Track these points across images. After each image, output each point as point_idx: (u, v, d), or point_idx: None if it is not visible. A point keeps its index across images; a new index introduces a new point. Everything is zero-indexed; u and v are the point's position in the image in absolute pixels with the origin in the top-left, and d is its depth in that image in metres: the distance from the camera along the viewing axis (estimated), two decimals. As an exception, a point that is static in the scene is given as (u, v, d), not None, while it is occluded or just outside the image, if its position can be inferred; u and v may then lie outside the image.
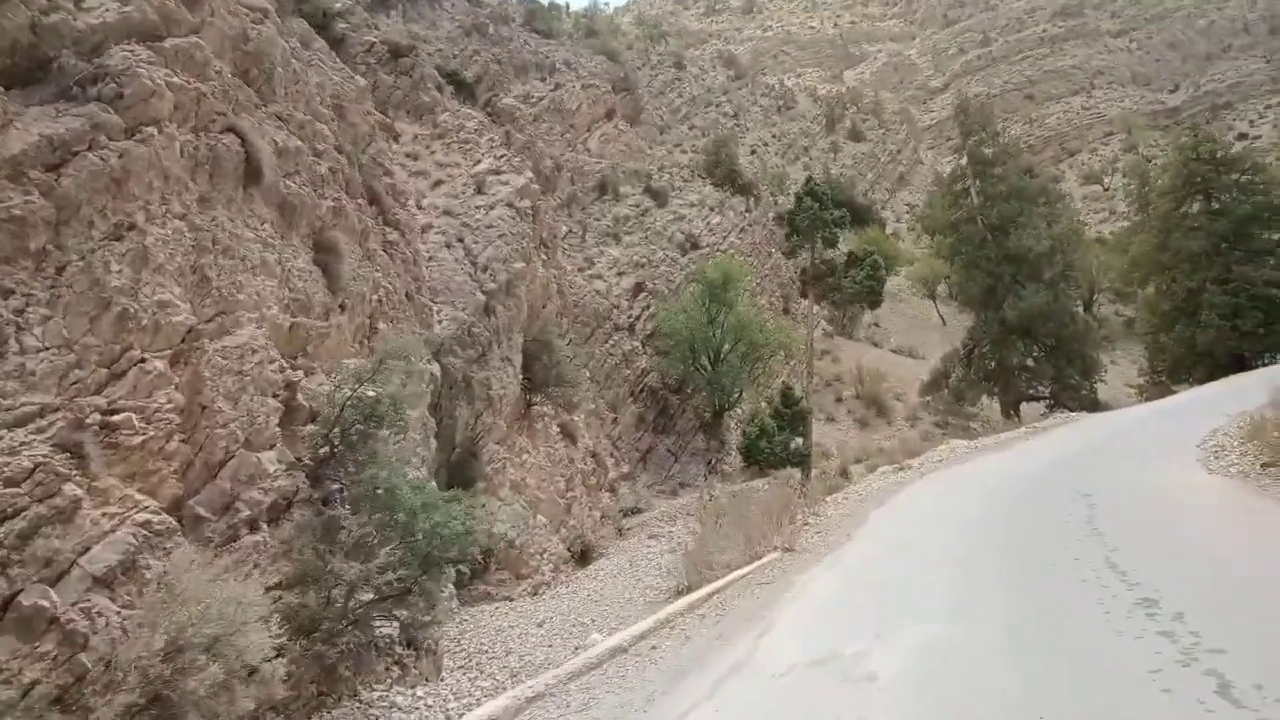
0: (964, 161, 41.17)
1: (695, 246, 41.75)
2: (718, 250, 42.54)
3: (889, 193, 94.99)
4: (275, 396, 9.36)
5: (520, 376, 20.55)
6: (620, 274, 36.29)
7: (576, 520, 24.10)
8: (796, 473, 26.32)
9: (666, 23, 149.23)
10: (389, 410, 10.02)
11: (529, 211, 22.53)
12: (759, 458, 25.42)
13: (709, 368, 32.90)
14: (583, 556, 23.13)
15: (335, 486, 9.60)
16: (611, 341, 32.71)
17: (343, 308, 12.07)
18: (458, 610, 14.75)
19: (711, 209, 45.71)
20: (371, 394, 10.00)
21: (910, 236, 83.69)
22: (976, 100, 42.84)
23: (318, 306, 11.34)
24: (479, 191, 21.68)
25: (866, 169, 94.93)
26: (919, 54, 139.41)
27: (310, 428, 9.83)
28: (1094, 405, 38.51)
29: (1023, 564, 8.63)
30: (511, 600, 18.44)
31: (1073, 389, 38.44)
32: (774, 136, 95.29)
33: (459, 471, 18.75)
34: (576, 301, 32.19)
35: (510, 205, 21.49)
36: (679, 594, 14.02)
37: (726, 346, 33.05)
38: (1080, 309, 40.40)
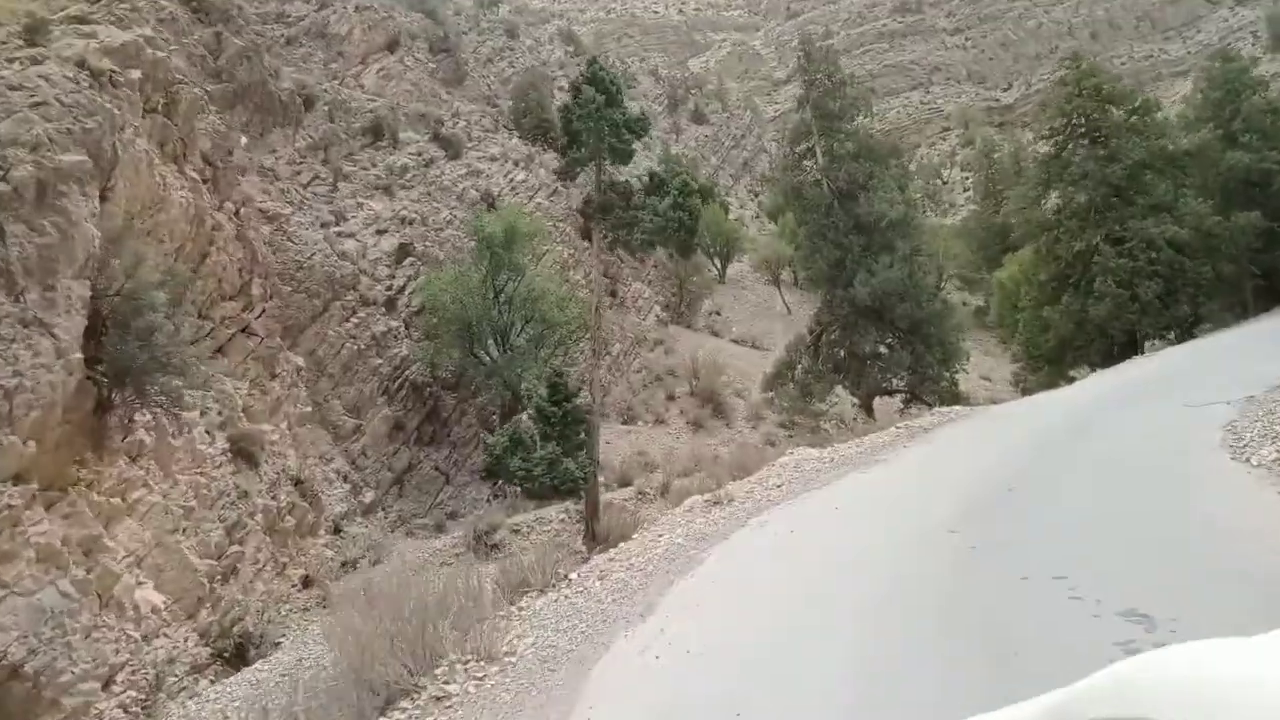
0: (807, 116, 35.17)
1: (492, 206, 33.64)
2: (522, 213, 34.58)
3: (733, 179, 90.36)
4: None
5: (79, 358, 11.77)
6: (380, 232, 27.63)
7: (234, 594, 15.47)
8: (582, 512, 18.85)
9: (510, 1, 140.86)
10: None
11: (133, 87, 13.70)
12: (513, 481, 17.70)
13: (493, 355, 24.89)
14: (239, 654, 14.59)
15: None
16: (355, 320, 24.06)
17: None
18: None
19: (516, 164, 37.73)
20: None
21: (755, 224, 79.22)
22: (820, 42, 36.88)
23: None
24: (31, 44, 12.69)
25: (710, 152, 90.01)
26: (763, 45, 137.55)
27: None
28: (955, 398, 33.39)
29: None
30: (5, 779, 9.73)
31: (932, 380, 33.14)
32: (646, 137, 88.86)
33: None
34: (301, 263, 23.34)
35: (83, 66, 12.63)
36: None
37: (516, 326, 25.16)
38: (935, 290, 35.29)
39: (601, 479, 27.05)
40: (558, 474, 17.27)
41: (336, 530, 19.48)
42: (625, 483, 26.21)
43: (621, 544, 10.13)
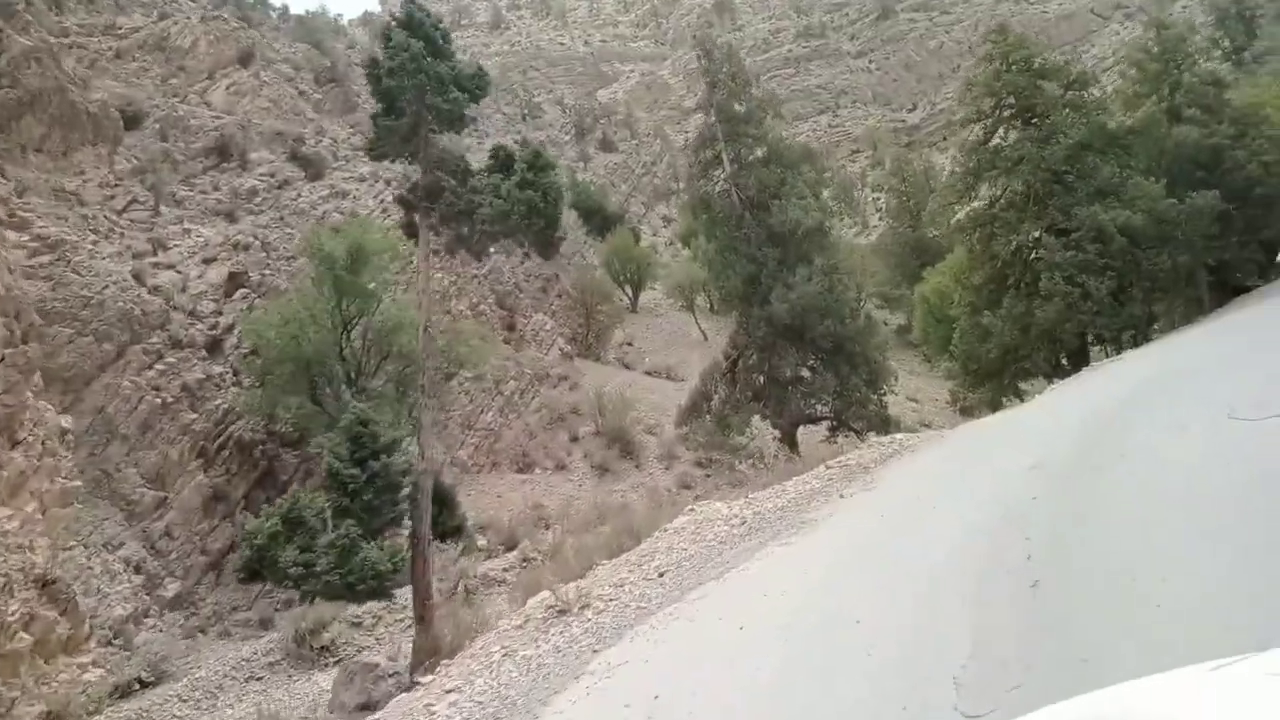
0: (712, 120, 32.14)
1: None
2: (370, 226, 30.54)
3: (645, 206, 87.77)
4: None
5: None
6: (208, 261, 23.14)
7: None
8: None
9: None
10: None
11: None
12: (284, 583, 13.45)
13: (341, 402, 20.55)
14: None
15: None
16: (160, 367, 19.46)
17: None
18: None
19: (389, 183, 33.59)
20: None
21: (669, 251, 76.54)
22: (722, 42, 34.17)
23: None
24: None
25: (620, 180, 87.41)
26: (671, 74, 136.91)
27: None
28: (885, 423, 30.39)
29: None
30: None
31: (859, 404, 30.09)
32: (516, 143, 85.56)
33: None
34: (89, 299, 18.74)
35: None
36: None
37: (371, 365, 20.93)
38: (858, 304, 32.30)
39: (483, 542, 22.91)
40: (353, 567, 12.81)
41: (109, 641, 14.79)
42: (511, 545, 22.16)
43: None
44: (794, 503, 10.97)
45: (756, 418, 31.03)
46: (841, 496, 10.35)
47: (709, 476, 29.31)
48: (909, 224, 56.76)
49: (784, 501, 11.21)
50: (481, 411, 28.79)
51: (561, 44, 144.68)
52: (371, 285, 20.31)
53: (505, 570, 18.70)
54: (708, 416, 31.93)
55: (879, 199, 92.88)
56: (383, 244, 21.02)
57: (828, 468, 12.15)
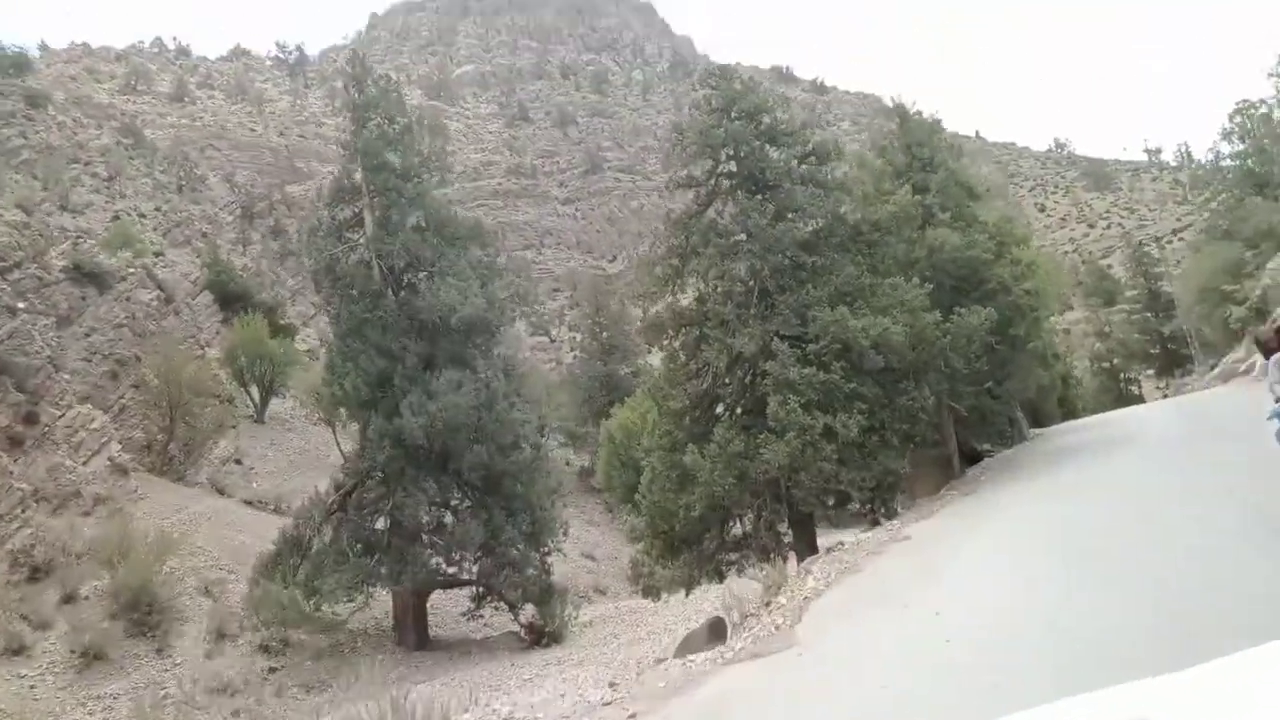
0: (354, 169, 24.01)
1: None
2: None
3: (317, 308, 75.93)
4: None
5: None
6: None
7: None
8: None
9: (66, 89, 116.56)
10: None
11: None
12: None
13: None
14: None
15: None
16: None
17: None
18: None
19: None
20: None
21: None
22: (378, 66, 26.76)
23: None
24: None
25: (289, 274, 75.57)
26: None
27: None
28: (546, 595, 22.53)
29: None
30: None
31: (513, 566, 22.03)
32: (158, 210, 70.80)
33: None
34: None
35: None
36: None
37: None
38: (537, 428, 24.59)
39: None
40: None
41: None
42: None
43: None
44: None
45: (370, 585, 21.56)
46: None
47: (275, 671, 19.02)
48: (600, 357, 51.97)
49: None
50: None
51: (253, 130, 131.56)
52: None
53: None
54: (298, 572, 21.92)
55: (575, 338, 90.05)
56: None
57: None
